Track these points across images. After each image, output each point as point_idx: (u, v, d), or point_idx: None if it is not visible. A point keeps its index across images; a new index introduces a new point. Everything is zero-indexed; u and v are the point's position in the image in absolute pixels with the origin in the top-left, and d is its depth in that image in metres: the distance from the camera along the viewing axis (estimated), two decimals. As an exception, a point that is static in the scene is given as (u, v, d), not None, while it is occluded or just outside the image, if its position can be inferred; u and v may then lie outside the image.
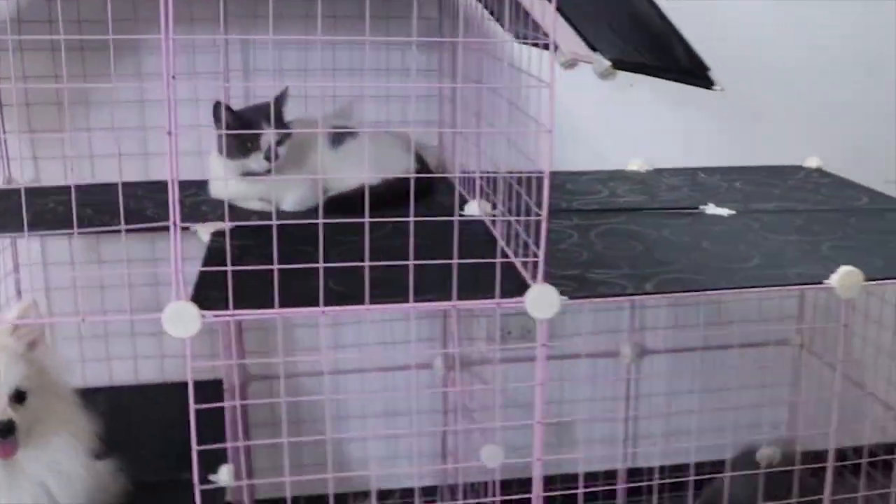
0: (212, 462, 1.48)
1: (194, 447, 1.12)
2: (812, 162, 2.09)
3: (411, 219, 1.16)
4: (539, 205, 1.15)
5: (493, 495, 1.46)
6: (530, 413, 1.90)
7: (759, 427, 2.05)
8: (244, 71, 1.93)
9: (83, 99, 1.86)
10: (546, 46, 1.48)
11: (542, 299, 1.15)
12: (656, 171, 1.99)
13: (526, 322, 2.04)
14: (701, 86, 1.09)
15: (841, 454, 2.01)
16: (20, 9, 1.77)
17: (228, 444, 1.36)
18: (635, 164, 2.00)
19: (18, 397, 1.16)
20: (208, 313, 1.11)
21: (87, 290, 1.85)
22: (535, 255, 1.15)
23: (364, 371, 1.96)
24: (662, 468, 2.11)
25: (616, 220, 1.57)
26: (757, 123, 2.15)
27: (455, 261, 1.14)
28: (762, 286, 1.25)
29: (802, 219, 1.63)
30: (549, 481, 1.79)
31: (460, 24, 1.34)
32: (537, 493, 1.22)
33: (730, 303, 2.06)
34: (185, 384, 1.17)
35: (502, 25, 1.63)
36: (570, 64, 1.56)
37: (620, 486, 1.93)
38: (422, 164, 1.77)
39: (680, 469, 2.03)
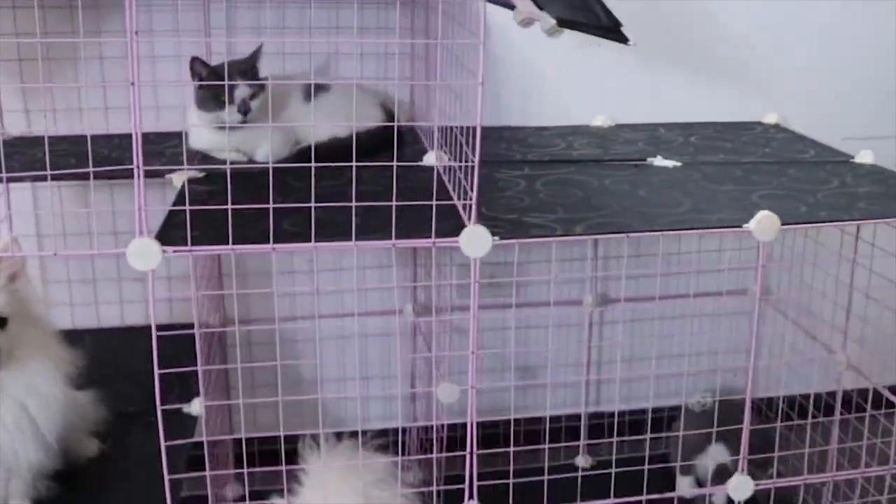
0: (186, 395, 1.63)
1: (156, 371, 1.25)
2: (770, 118, 2.19)
3: (353, 164, 1.28)
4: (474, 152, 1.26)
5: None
6: (500, 359, 2.03)
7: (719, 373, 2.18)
8: (227, 28, 2.04)
9: (73, 55, 1.98)
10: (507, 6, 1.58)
11: (474, 239, 1.27)
12: (618, 127, 2.09)
13: (493, 270, 2.16)
14: (618, 40, 1.20)
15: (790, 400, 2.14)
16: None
17: (198, 368, 1.48)
18: (598, 120, 2.11)
19: (1, 322, 1.30)
20: (168, 248, 1.23)
21: (77, 236, 1.99)
22: (457, 191, 1.27)
23: (340, 316, 2.08)
24: (623, 412, 2.25)
25: (565, 170, 1.68)
26: (723, 82, 2.25)
27: (394, 203, 1.26)
28: (680, 229, 1.36)
29: (744, 170, 1.73)
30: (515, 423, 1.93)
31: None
32: (472, 419, 1.34)
33: (691, 254, 2.17)
34: (167, 326, 1.31)
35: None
36: (527, 22, 1.66)
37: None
38: (391, 118, 1.88)
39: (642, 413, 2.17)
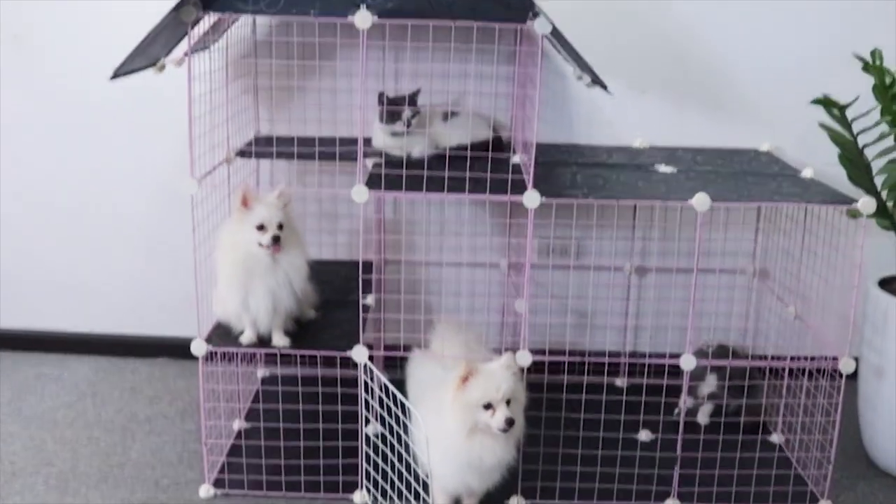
0: (366, 292, 2.93)
1: (360, 276, 2.57)
2: (764, 147, 3.34)
3: (468, 153, 2.55)
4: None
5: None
6: (564, 304, 3.26)
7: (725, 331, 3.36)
8: (396, 75, 3.36)
9: (302, 86, 3.34)
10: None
11: (530, 197, 2.50)
12: (650, 148, 3.29)
13: (564, 244, 3.40)
14: (605, 90, 2.44)
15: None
16: (272, 28, 3.26)
17: (374, 276, 2.77)
18: (637, 142, 3.32)
19: (280, 227, 2.63)
20: (371, 192, 2.53)
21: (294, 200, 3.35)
22: (528, 174, 2.53)
23: (458, 264, 3.36)
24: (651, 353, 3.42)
25: (598, 170, 2.91)
26: (737, 120, 3.41)
27: (488, 174, 2.52)
28: (646, 199, 2.57)
29: (717, 175, 2.90)
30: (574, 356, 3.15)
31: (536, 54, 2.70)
32: (526, 293, 2.58)
33: (705, 241, 3.34)
34: (349, 262, 2.64)
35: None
36: (579, 77, 2.91)
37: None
38: (498, 134, 3.14)
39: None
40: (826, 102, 2.70)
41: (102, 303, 3.75)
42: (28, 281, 3.75)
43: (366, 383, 2.61)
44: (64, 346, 3.78)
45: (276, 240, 2.62)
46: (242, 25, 3.18)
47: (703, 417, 3.18)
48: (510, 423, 2.36)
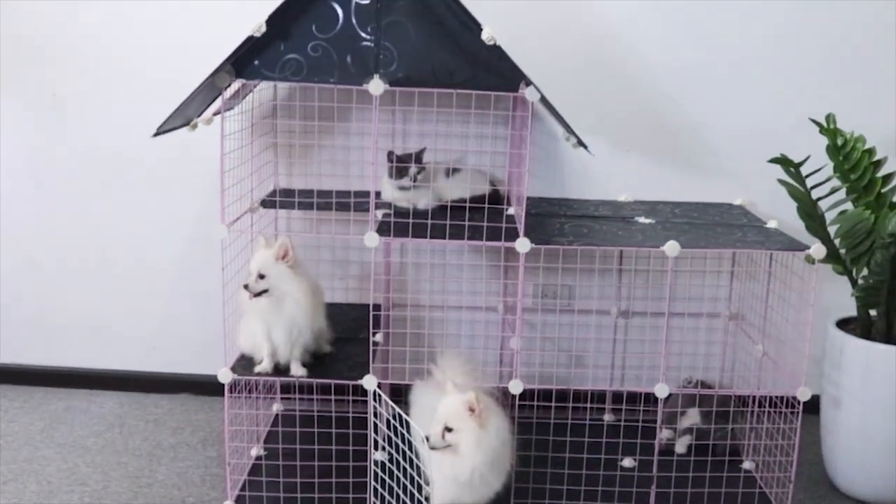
0: (375, 329, 3.34)
1: (371, 312, 2.97)
2: (737, 201, 3.77)
3: (467, 204, 2.98)
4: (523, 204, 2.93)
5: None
6: (556, 343, 3.66)
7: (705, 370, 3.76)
8: (403, 135, 3.81)
9: (319, 144, 3.78)
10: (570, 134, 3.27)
11: (521, 243, 2.92)
12: (634, 202, 3.73)
13: (556, 289, 3.82)
14: (587, 150, 2.87)
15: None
16: (292, 93, 3.71)
17: (382, 313, 3.19)
18: (622, 196, 3.75)
19: (261, 276, 3.03)
20: (382, 238, 2.95)
21: (309, 248, 3.77)
22: (520, 223, 2.95)
23: (458, 307, 3.77)
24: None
25: (584, 221, 3.34)
26: (713, 175, 3.85)
27: (485, 223, 2.94)
28: (623, 246, 2.98)
29: (691, 226, 3.32)
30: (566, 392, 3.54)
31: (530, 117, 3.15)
32: (519, 325, 2.99)
33: (683, 286, 3.75)
34: (359, 305, 3.09)
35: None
36: (567, 139, 3.36)
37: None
38: (495, 188, 3.57)
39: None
40: (783, 161, 3.13)
41: (127, 342, 4.17)
42: (59, 322, 4.17)
43: (374, 409, 3.00)
44: (91, 382, 4.20)
45: (245, 287, 3.04)
46: (264, 89, 3.64)
47: (680, 447, 3.55)
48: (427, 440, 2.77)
